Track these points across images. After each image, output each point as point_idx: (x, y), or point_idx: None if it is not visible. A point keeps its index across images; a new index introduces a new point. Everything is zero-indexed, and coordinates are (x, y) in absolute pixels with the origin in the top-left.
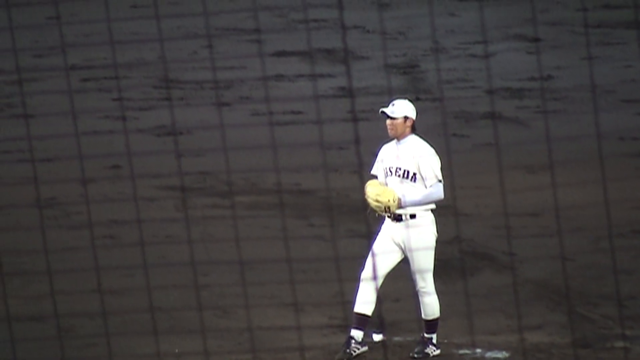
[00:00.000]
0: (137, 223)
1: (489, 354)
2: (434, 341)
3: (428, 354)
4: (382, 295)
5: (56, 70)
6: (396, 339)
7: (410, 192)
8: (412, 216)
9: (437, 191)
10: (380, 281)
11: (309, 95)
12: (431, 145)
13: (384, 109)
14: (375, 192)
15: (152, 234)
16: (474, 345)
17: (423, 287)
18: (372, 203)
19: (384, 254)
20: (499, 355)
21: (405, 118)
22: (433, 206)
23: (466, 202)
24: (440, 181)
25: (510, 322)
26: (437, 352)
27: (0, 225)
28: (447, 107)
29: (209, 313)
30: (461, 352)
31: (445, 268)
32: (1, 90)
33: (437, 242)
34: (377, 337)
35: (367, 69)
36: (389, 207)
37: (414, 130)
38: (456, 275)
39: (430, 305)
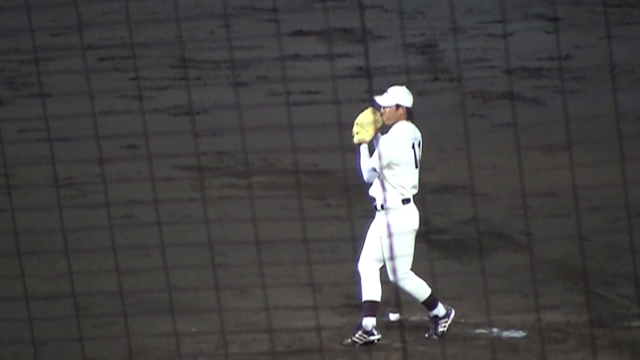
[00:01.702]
0: (154, 203)
1: (505, 334)
2: (441, 314)
3: (443, 332)
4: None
5: (73, 49)
6: (413, 318)
7: (368, 156)
8: (382, 207)
9: (366, 171)
10: (379, 265)
11: (326, 75)
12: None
13: (376, 98)
14: (368, 119)
15: (168, 213)
16: (490, 325)
17: (400, 277)
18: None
19: (374, 243)
20: (516, 334)
21: (398, 106)
22: (408, 196)
23: (484, 182)
24: (373, 169)
25: (527, 301)
26: (447, 321)
27: (17, 205)
28: (465, 87)
29: (225, 293)
30: (477, 331)
31: (462, 248)
32: (18, 69)
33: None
34: (393, 317)
35: (385, 48)
36: (354, 135)
37: (410, 117)
38: (473, 255)
39: (416, 288)
